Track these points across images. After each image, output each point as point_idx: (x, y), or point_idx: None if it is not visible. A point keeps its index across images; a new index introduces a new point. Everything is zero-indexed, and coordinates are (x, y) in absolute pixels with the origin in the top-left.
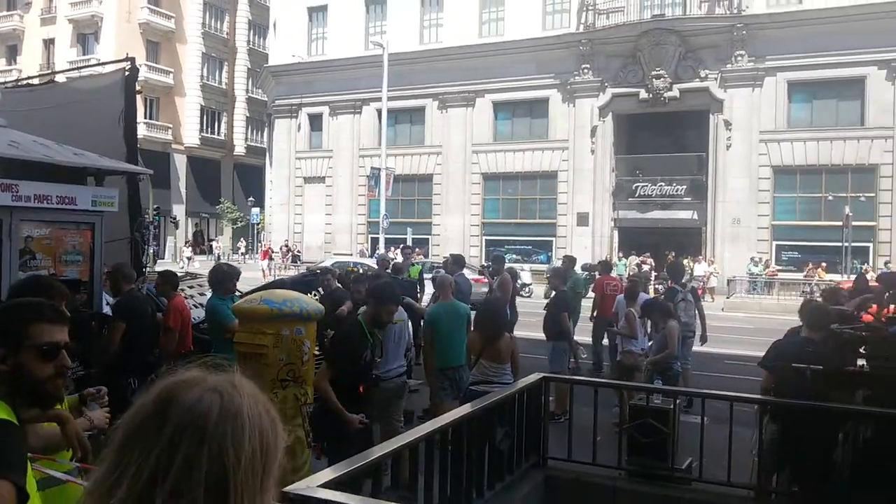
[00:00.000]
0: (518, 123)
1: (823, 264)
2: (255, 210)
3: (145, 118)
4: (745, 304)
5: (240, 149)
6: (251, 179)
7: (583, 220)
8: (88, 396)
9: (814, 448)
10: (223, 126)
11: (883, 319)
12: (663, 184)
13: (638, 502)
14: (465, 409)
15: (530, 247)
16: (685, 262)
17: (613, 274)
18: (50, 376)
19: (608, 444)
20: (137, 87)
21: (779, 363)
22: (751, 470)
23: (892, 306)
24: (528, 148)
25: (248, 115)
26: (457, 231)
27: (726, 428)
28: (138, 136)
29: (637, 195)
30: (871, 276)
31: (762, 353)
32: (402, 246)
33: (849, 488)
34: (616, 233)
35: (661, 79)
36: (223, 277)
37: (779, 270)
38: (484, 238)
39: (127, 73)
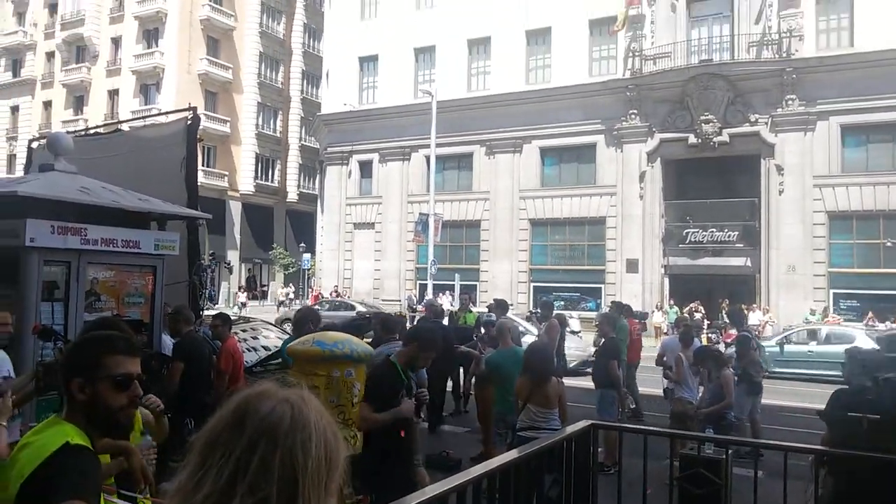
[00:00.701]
0: (565, 169)
1: (870, 314)
2: (307, 256)
3: (203, 166)
4: None
5: (292, 195)
6: (303, 225)
7: (632, 266)
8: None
9: (873, 501)
10: (276, 173)
11: None
12: (714, 230)
13: None
14: (512, 454)
15: (578, 294)
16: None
17: (666, 321)
18: (123, 406)
19: (659, 496)
20: (198, 136)
21: (836, 413)
22: None
23: None
24: (576, 194)
25: (300, 162)
26: (504, 277)
27: (782, 481)
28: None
29: (688, 241)
30: None
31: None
32: (460, 293)
33: None
34: (667, 280)
35: (710, 123)
36: (302, 319)
37: (840, 320)
38: (532, 284)
39: (189, 122)
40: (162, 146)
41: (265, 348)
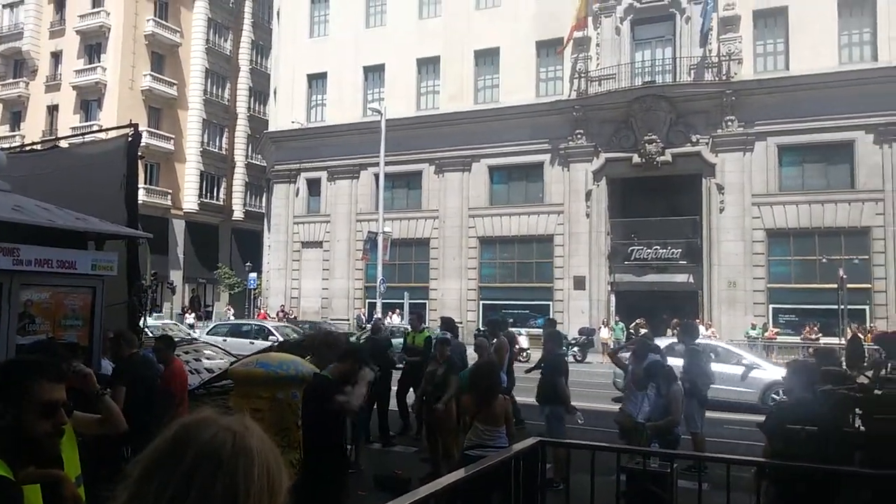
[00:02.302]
0: (514, 187)
1: (815, 327)
2: (253, 275)
3: (145, 183)
4: None
5: (238, 214)
6: (249, 244)
7: (579, 283)
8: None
9: None
10: (222, 191)
11: (878, 380)
12: (658, 247)
13: None
14: (459, 473)
15: (528, 311)
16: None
17: (612, 337)
18: (48, 433)
19: None
20: (139, 153)
21: (775, 425)
22: None
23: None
24: (524, 212)
25: (247, 180)
26: (454, 295)
27: (726, 493)
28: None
29: (633, 258)
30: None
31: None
32: (409, 312)
33: None
34: (613, 296)
35: (654, 143)
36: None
37: (777, 334)
38: (481, 302)
39: (130, 139)
40: (101, 164)
41: (208, 370)
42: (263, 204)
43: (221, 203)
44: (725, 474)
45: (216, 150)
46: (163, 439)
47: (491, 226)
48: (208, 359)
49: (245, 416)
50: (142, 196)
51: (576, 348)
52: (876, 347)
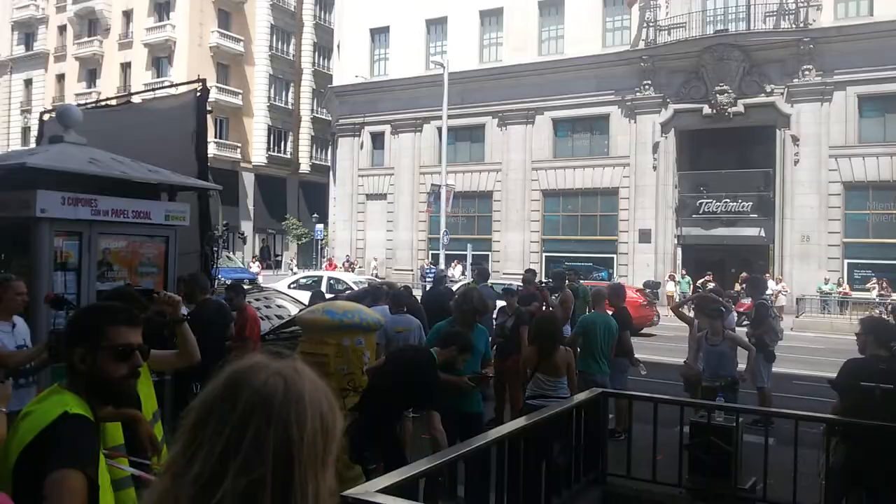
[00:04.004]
0: (578, 140)
1: (884, 282)
2: (319, 226)
3: (215, 138)
4: (815, 324)
5: (305, 167)
6: (315, 196)
7: (645, 236)
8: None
9: (884, 472)
10: (289, 145)
11: None
12: (728, 200)
13: None
14: (520, 422)
15: (591, 264)
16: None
17: (677, 290)
18: (124, 376)
19: (669, 462)
20: (208, 108)
21: (848, 382)
22: (818, 493)
23: None
24: (589, 164)
25: (312, 134)
26: (516, 247)
27: (793, 449)
28: (209, 155)
29: (701, 212)
30: None
31: (832, 374)
32: (473, 266)
33: None
34: (679, 250)
35: (725, 94)
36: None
37: (852, 290)
38: (544, 255)
39: (199, 94)
40: (172, 118)
41: (278, 317)
42: (329, 157)
43: (289, 156)
44: (793, 430)
45: (282, 105)
46: (215, 386)
47: (554, 179)
48: (279, 306)
49: (296, 359)
50: (212, 149)
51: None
52: None
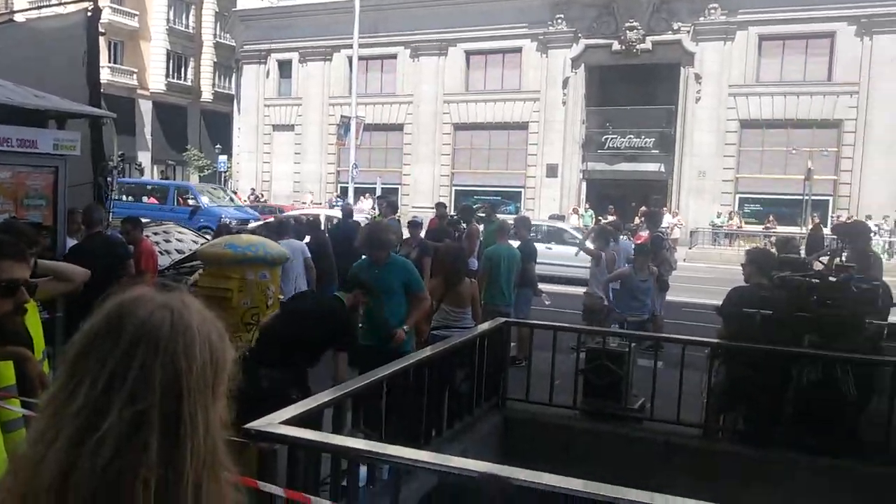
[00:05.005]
0: (490, 74)
1: (771, 217)
2: (223, 158)
3: (109, 62)
4: (706, 255)
5: (207, 95)
6: (219, 126)
7: (552, 171)
8: None
9: (760, 390)
10: (190, 72)
11: (833, 268)
12: (632, 136)
13: (591, 440)
14: (425, 352)
15: (500, 197)
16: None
17: (581, 224)
18: (8, 312)
19: (567, 387)
20: (101, 29)
21: (732, 309)
22: (700, 410)
23: (844, 255)
24: (500, 98)
25: (215, 60)
26: (427, 181)
27: (680, 371)
28: (102, 80)
29: (606, 147)
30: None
31: (720, 302)
32: (381, 199)
33: (792, 427)
34: (584, 184)
35: (634, 30)
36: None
37: (744, 223)
38: (454, 188)
39: (89, 14)
40: (60, 39)
41: (179, 251)
42: (233, 86)
43: (190, 84)
44: (681, 354)
45: (183, 29)
46: (97, 318)
47: (466, 112)
48: (179, 241)
49: (183, 291)
50: (105, 75)
51: None
52: (835, 237)
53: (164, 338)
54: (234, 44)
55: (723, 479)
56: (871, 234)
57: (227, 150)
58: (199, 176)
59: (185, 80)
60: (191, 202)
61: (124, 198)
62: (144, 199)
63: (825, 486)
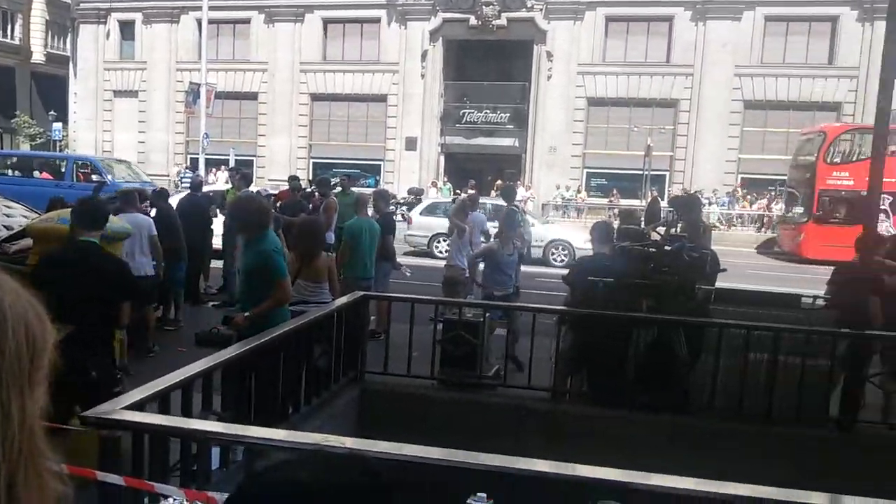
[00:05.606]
0: (349, 43)
1: (614, 190)
2: (58, 125)
3: None
4: None
5: (38, 56)
6: (53, 91)
7: (411, 144)
8: None
9: (602, 353)
10: (17, 29)
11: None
12: (488, 111)
13: (448, 408)
14: (281, 327)
15: (359, 170)
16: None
17: (440, 198)
18: None
19: (425, 358)
20: None
21: (577, 278)
22: (549, 375)
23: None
24: (359, 69)
25: (47, 18)
26: (283, 153)
27: (531, 338)
28: None
29: (464, 121)
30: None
31: (567, 271)
32: (233, 170)
33: (632, 386)
34: (442, 158)
35: (490, 6)
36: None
37: (589, 196)
38: (311, 161)
39: None
40: None
41: (7, 227)
42: (69, 47)
43: (17, 43)
44: (532, 321)
45: None
46: None
47: (324, 82)
48: (6, 215)
49: None
50: None
51: (404, 207)
52: (670, 209)
53: None
54: (69, 0)
55: (570, 438)
56: (702, 206)
57: (64, 116)
58: (31, 145)
59: (12, 38)
60: (94, 177)
61: (9, 172)
62: (36, 174)
63: (664, 442)
